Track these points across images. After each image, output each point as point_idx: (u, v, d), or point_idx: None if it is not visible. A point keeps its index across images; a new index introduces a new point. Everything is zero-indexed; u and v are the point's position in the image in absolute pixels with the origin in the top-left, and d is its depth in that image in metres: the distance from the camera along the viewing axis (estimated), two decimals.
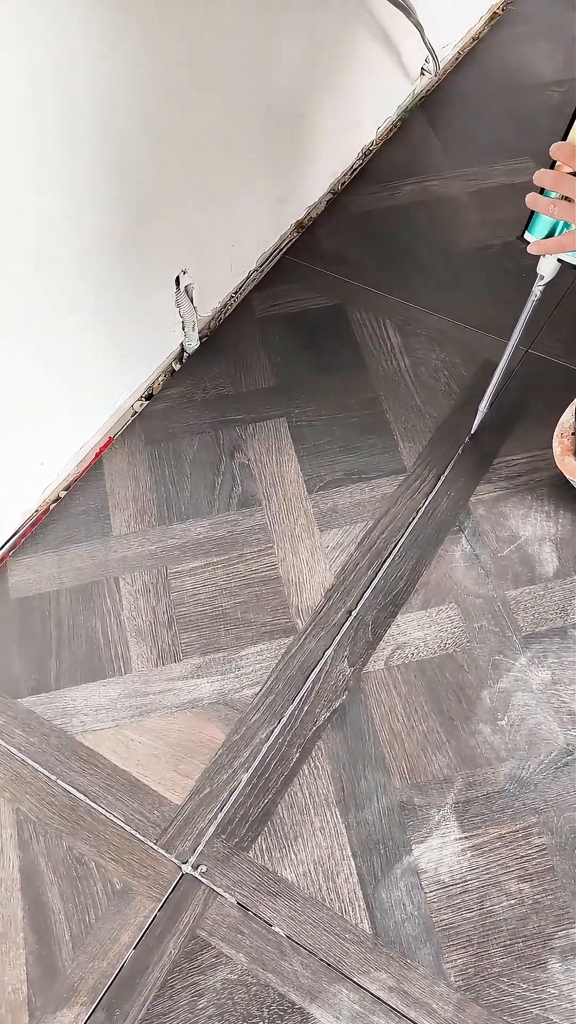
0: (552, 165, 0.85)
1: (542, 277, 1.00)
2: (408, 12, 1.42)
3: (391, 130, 1.64)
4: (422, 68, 1.64)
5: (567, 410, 1.16)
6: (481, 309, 1.37)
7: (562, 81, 1.70)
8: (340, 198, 1.54)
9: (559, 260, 0.97)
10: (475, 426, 1.22)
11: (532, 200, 0.87)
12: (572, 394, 1.16)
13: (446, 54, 1.72)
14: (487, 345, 1.32)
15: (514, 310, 1.23)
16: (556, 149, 0.83)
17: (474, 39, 1.80)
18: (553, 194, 0.86)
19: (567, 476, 1.14)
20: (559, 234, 0.91)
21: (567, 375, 1.27)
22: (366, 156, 1.59)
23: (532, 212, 0.92)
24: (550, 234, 0.93)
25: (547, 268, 0.98)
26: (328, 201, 1.53)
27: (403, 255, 1.45)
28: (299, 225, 1.48)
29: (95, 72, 0.93)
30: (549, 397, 1.23)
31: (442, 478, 1.19)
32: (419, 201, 1.52)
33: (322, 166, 1.50)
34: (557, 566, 1.10)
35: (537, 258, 0.98)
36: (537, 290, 1.02)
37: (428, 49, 1.56)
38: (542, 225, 0.93)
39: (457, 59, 1.77)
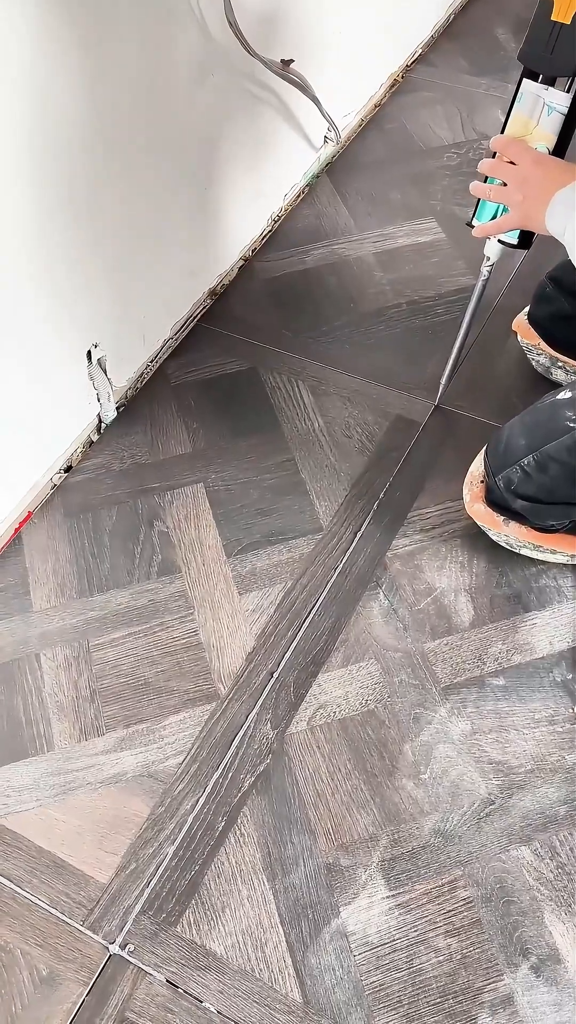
0: (493, 156, 1.00)
1: (488, 258, 1.13)
2: (303, 89, 1.48)
3: (299, 196, 1.69)
4: (325, 136, 1.70)
5: (476, 459, 1.19)
6: (390, 366, 1.40)
7: (460, 143, 1.77)
8: (251, 264, 1.58)
9: (500, 241, 1.09)
10: (438, 399, 1.34)
11: (474, 187, 1.02)
12: (480, 445, 1.19)
13: (349, 121, 1.78)
14: (398, 401, 1.35)
15: (423, 366, 1.28)
16: (494, 141, 0.99)
17: (376, 106, 1.87)
18: (496, 181, 1.00)
19: (478, 523, 1.17)
20: (499, 217, 1.03)
21: (474, 427, 1.31)
22: (275, 222, 1.64)
23: (479, 201, 1.06)
24: (493, 218, 1.04)
25: (492, 250, 1.11)
26: (240, 267, 1.57)
27: (314, 317, 1.49)
28: (212, 292, 1.51)
29: (6, 147, 0.96)
30: (458, 449, 1.27)
31: (358, 535, 1.21)
32: (328, 264, 1.57)
33: (232, 234, 1.53)
34: (472, 616, 1.13)
35: (484, 242, 1.11)
36: (485, 270, 1.15)
37: (328, 120, 1.61)
38: (487, 212, 1.05)
39: (361, 125, 1.83)
